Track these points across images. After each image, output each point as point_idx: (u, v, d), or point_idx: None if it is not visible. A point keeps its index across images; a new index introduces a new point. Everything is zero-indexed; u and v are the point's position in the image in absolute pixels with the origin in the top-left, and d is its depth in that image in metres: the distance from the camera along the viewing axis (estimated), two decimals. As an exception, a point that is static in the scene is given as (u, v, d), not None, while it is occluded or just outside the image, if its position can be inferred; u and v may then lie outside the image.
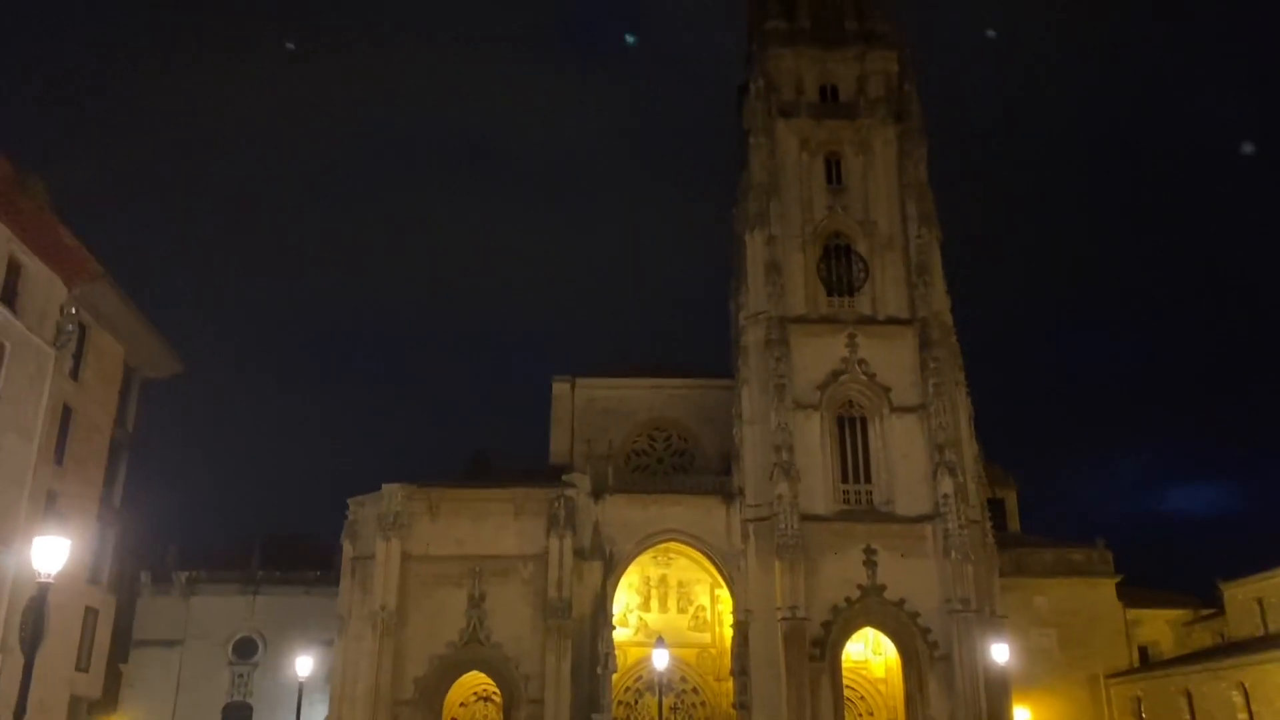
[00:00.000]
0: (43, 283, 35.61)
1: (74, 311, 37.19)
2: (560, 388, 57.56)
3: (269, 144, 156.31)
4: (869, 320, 49.32)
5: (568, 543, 44.79)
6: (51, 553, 18.64)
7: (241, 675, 53.47)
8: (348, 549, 46.63)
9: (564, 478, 47.61)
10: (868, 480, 47.05)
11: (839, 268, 50.74)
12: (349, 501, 47.46)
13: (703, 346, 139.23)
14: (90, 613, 40.40)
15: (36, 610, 19.87)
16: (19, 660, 31.82)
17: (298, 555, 56.93)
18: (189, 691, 52.34)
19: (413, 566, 44.77)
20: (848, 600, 44.47)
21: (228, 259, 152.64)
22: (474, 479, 51.45)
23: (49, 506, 35.31)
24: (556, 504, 45.52)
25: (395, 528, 44.94)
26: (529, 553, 45.22)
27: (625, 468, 53.64)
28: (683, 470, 54.86)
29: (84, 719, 41.56)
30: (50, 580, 18.83)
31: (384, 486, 45.90)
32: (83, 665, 39.90)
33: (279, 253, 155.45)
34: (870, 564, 44.97)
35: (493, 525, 45.97)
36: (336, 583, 47.36)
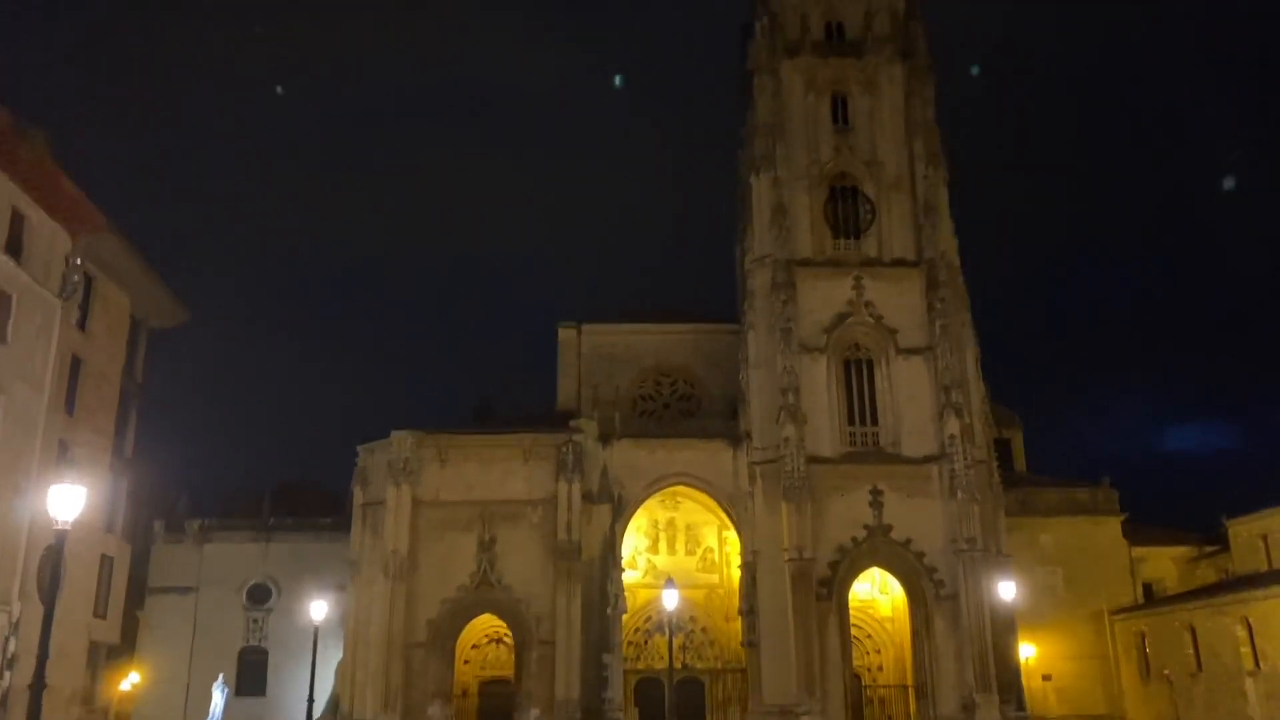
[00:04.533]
0: (47, 234, 35.55)
1: (79, 262, 37.18)
2: (566, 334, 57.47)
3: (273, 94, 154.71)
4: (875, 262, 49.04)
5: (576, 487, 45.05)
6: (67, 500, 18.75)
7: (256, 620, 54.21)
8: (358, 495, 47.03)
9: (571, 423, 47.80)
10: (874, 422, 47.15)
11: (845, 209, 50.35)
12: (358, 449, 47.77)
13: (709, 292, 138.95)
14: (106, 560, 40.94)
15: (54, 557, 20.04)
16: (38, 607, 32.35)
17: (308, 502, 57.49)
18: (205, 636, 53.11)
19: (423, 512, 45.13)
20: (854, 540, 44.82)
21: (232, 208, 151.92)
22: (481, 426, 51.66)
23: (61, 456, 35.55)
24: (564, 449, 45.72)
25: (405, 474, 45.20)
26: (537, 497, 45.52)
27: (632, 413, 53.81)
28: (689, 415, 54.94)
29: (103, 664, 42.37)
30: (67, 528, 18.97)
31: (393, 434, 46.11)
32: (100, 612, 40.55)
33: (283, 202, 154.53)
34: (877, 504, 45.27)
35: (501, 471, 46.22)
36: (347, 528, 47.85)
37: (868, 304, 47.99)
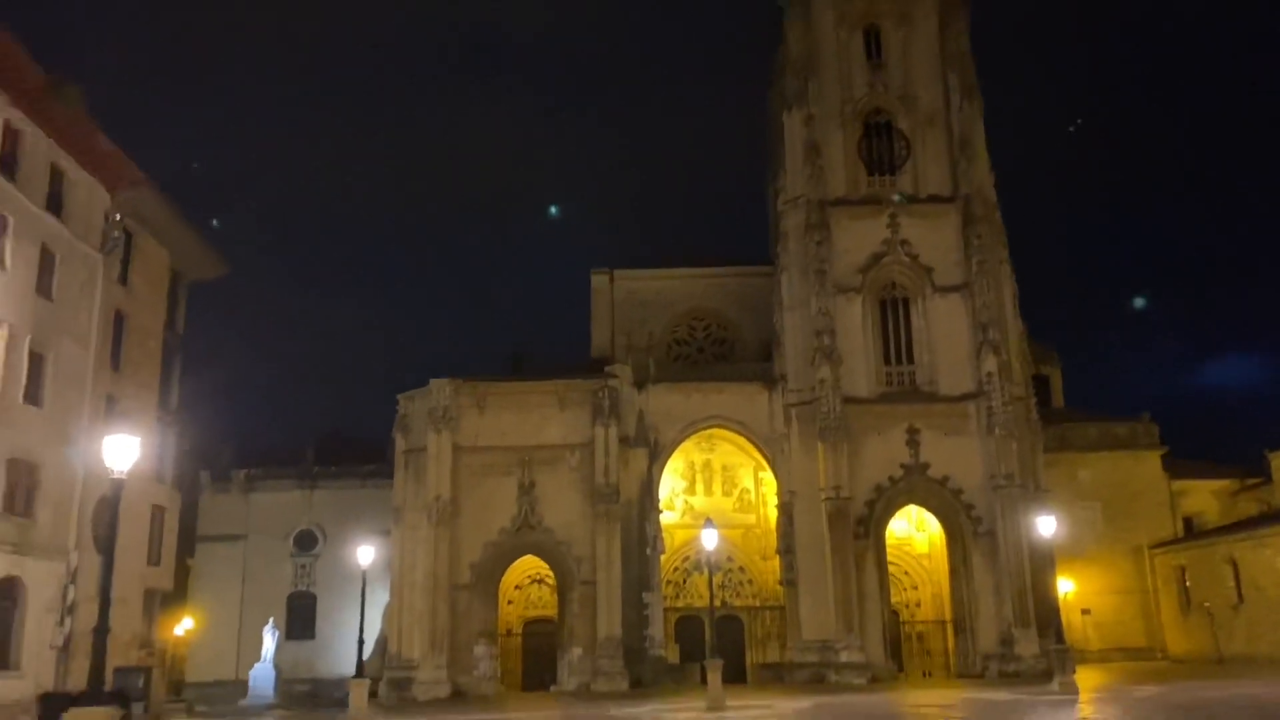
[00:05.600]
0: (85, 190, 35.94)
1: (118, 218, 37.56)
2: (599, 280, 57.50)
3: (311, 46, 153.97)
4: (911, 199, 48.46)
5: (613, 431, 45.45)
6: (122, 450, 19.18)
7: (304, 566, 55.50)
8: (400, 443, 47.71)
9: (606, 369, 48.08)
10: (910, 361, 46.98)
11: (879, 146, 49.66)
12: (399, 397, 48.37)
13: (741, 234, 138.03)
14: (157, 510, 41.91)
15: (111, 506, 20.55)
16: (94, 557, 33.33)
17: (350, 450, 58.30)
18: (254, 583, 54.47)
19: (463, 457, 45.79)
20: (891, 479, 44.96)
21: (268, 161, 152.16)
22: (517, 373, 52.05)
23: (109, 410, 36.29)
24: (600, 394, 46.06)
25: (445, 421, 45.79)
26: (575, 442, 45.99)
27: (666, 358, 54.03)
28: (723, 359, 55.06)
29: (158, 610, 43.61)
30: (123, 477, 19.42)
31: (432, 382, 46.64)
32: (154, 560, 41.62)
33: (320, 154, 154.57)
34: (913, 443, 45.28)
35: (538, 417, 46.70)
36: (390, 475, 48.65)
37: (903, 242, 47.52)
